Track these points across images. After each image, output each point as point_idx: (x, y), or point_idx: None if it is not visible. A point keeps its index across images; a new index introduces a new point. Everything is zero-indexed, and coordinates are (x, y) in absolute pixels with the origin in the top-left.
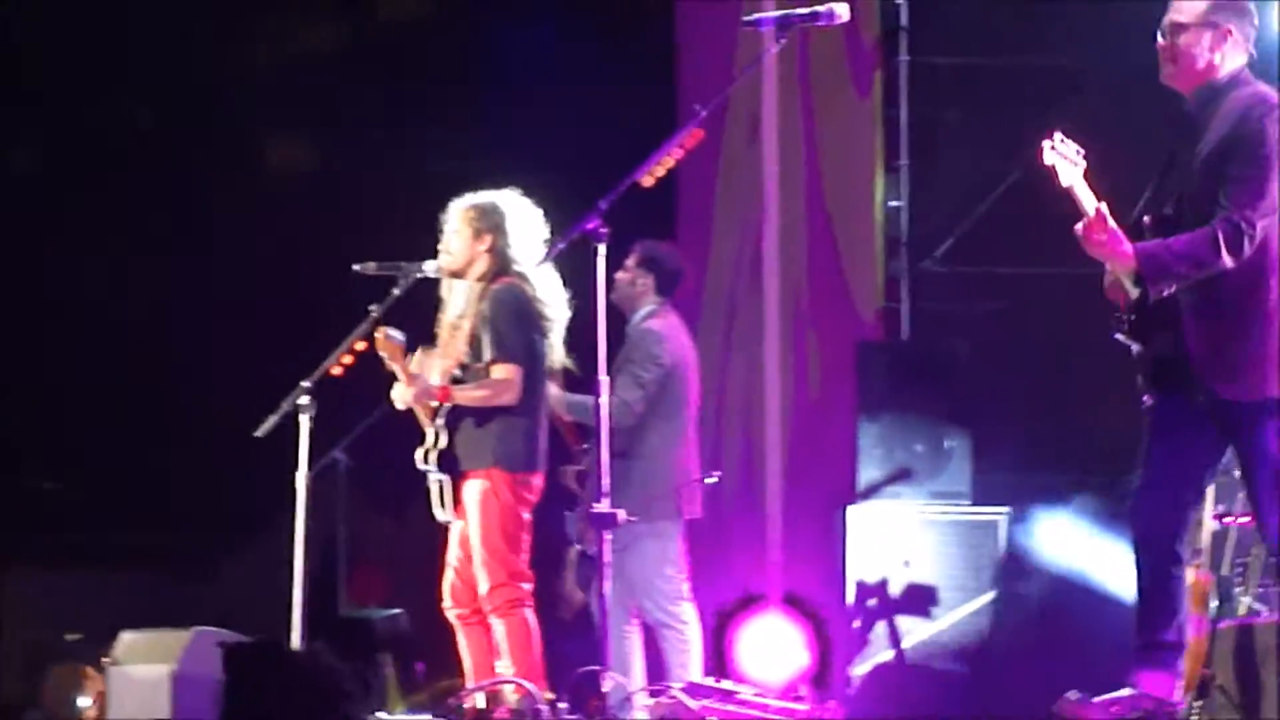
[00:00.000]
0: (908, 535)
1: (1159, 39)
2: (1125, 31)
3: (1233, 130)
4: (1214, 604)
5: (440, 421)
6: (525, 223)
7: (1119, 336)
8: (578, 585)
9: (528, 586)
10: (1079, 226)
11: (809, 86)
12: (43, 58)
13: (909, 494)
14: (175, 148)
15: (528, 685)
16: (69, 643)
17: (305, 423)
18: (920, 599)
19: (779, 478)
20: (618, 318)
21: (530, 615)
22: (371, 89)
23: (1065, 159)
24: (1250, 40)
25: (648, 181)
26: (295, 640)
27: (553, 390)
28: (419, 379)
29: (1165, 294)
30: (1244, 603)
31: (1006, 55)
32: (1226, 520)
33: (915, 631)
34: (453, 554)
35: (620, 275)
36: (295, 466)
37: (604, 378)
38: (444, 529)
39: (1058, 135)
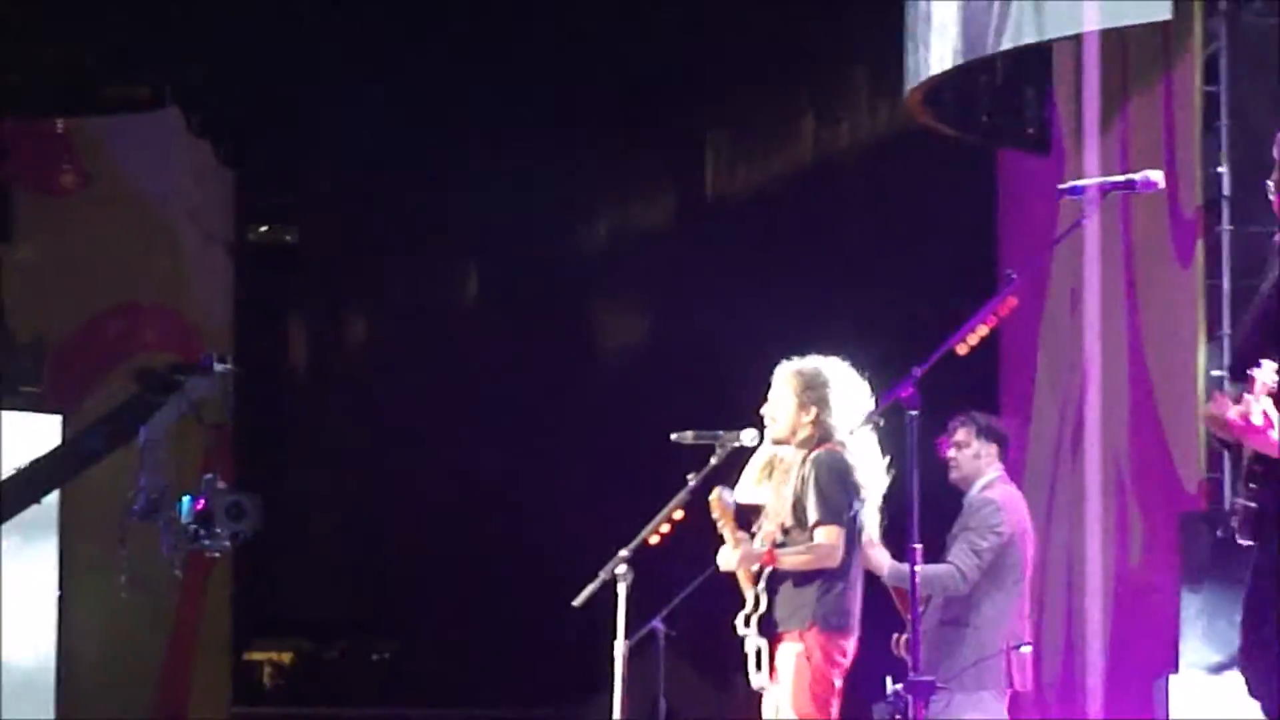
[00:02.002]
0: (1231, 706)
1: (1273, 193)
2: None
3: None
4: None
5: (761, 585)
6: (850, 392)
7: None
8: None
9: None
10: (1239, 415)
11: (1131, 256)
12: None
13: (1231, 664)
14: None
15: None
16: None
17: (623, 591)
18: None
19: (1100, 650)
20: (933, 486)
21: None
22: (698, 262)
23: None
24: None
25: (962, 349)
26: None
27: (885, 559)
28: (746, 543)
29: None
30: None
31: None
32: None
33: None
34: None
35: (956, 452)
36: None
37: (918, 545)
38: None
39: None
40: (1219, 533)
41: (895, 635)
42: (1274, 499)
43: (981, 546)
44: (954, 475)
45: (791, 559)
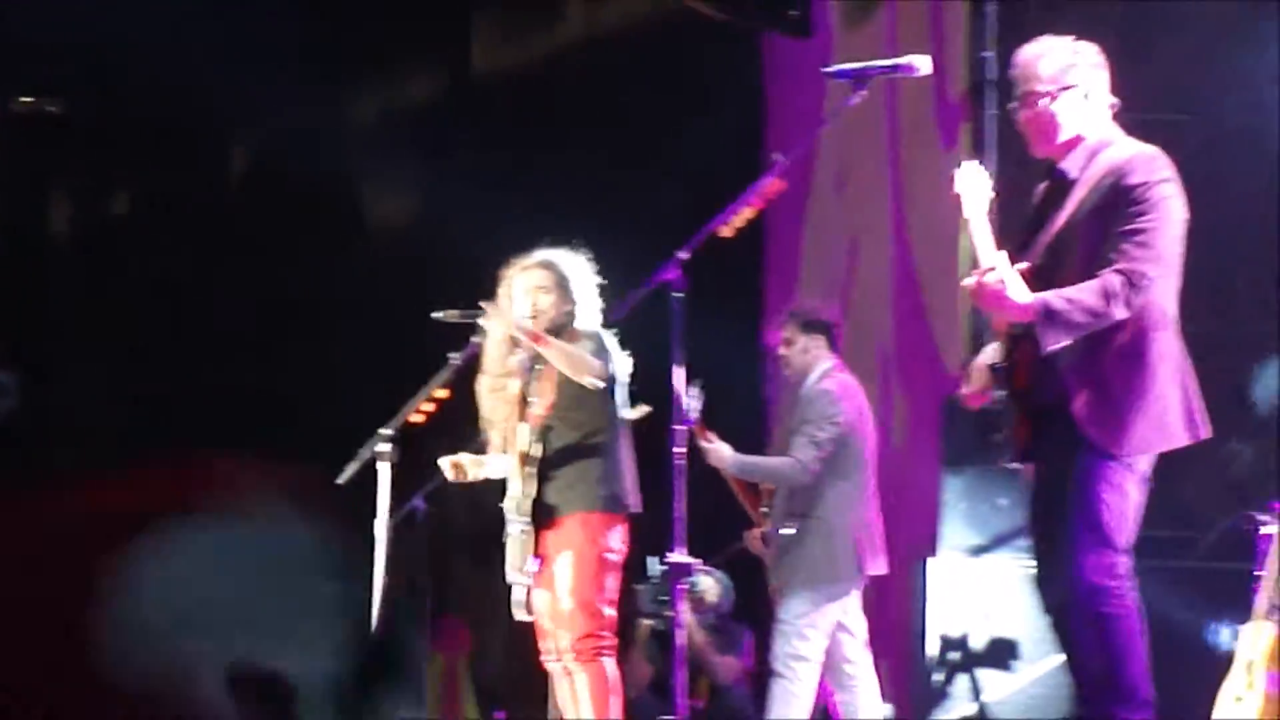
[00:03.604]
0: (989, 588)
1: (1016, 113)
2: (1223, 86)
3: (1119, 186)
4: None
5: (531, 470)
6: (589, 284)
7: (993, 395)
8: (646, 660)
9: (609, 635)
10: (974, 276)
11: (896, 139)
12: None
13: (990, 547)
14: (266, 196)
15: None
16: None
17: (385, 470)
18: (1001, 653)
19: None
20: (694, 368)
21: (611, 665)
22: (462, 139)
23: (975, 190)
24: (1106, 89)
25: (727, 232)
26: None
27: (726, 450)
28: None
29: (1057, 346)
30: None
31: None
32: None
33: (996, 685)
34: (543, 604)
35: (785, 350)
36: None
37: (680, 428)
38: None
39: (974, 163)
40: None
41: (746, 531)
42: (1051, 397)
43: (820, 437)
44: (786, 372)
45: (557, 349)
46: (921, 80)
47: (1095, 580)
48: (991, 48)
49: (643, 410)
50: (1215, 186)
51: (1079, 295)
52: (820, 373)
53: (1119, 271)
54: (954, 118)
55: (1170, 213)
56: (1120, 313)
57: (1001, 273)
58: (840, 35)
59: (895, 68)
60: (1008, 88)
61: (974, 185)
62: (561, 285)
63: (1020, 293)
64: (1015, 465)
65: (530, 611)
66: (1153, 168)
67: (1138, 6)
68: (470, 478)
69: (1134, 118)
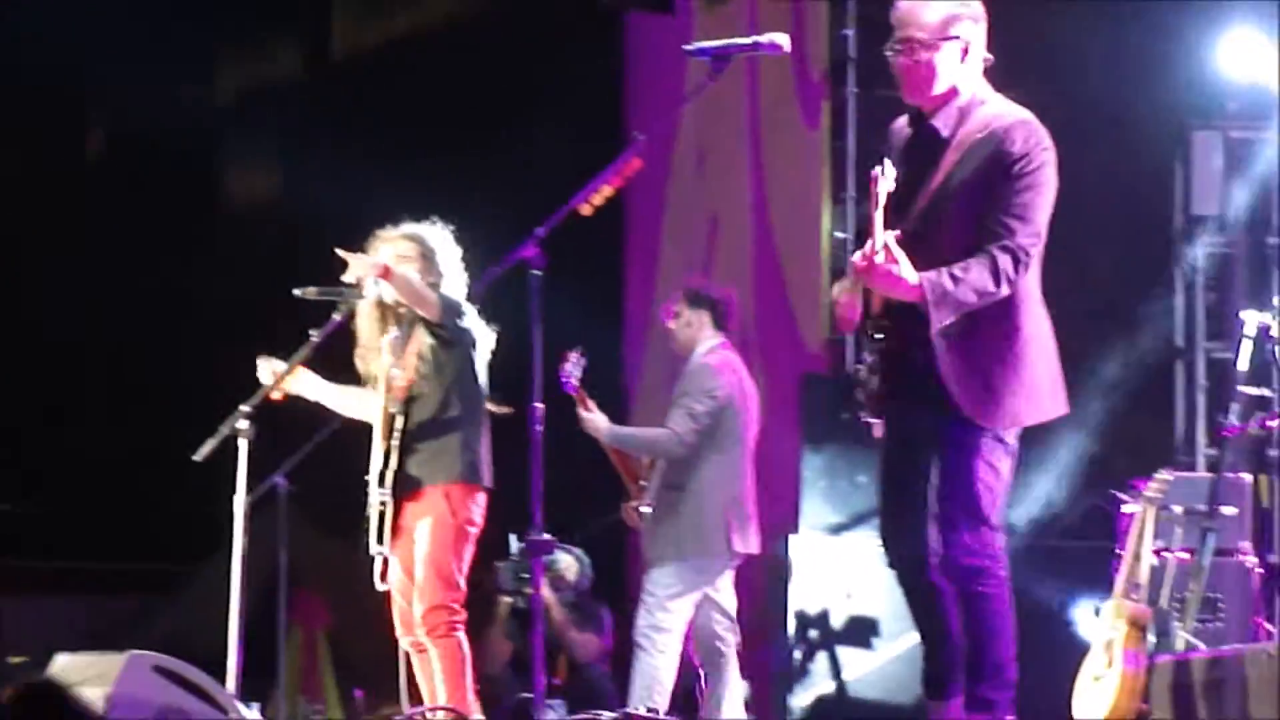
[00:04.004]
0: (850, 567)
1: (894, 56)
2: (1082, 69)
3: (1000, 153)
4: (1151, 639)
5: (394, 442)
6: (454, 256)
7: (865, 357)
8: (506, 637)
9: (461, 609)
10: (861, 256)
11: (757, 117)
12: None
13: (850, 525)
14: (133, 175)
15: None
16: (12, 666)
17: (244, 447)
18: (862, 631)
19: None
20: (554, 345)
21: (464, 639)
22: (322, 122)
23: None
24: (983, 44)
25: (586, 210)
26: (231, 667)
27: (602, 421)
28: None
29: (946, 323)
30: (1181, 638)
31: None
32: (1164, 554)
33: (856, 663)
34: (399, 581)
35: (672, 323)
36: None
37: (540, 405)
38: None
39: (888, 162)
40: (844, 414)
41: (624, 503)
42: (920, 365)
43: (698, 410)
44: (674, 345)
45: (402, 280)
46: (782, 59)
47: (972, 561)
48: (851, 26)
49: (504, 409)
50: (1079, 158)
51: (968, 275)
52: (705, 348)
53: (1006, 249)
54: (815, 96)
55: (1049, 185)
56: (1006, 289)
57: (891, 252)
58: (701, 14)
59: (756, 46)
60: (868, 66)
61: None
62: (426, 257)
63: (910, 272)
64: (872, 422)
65: (386, 581)
66: (1036, 137)
67: None
68: (288, 390)
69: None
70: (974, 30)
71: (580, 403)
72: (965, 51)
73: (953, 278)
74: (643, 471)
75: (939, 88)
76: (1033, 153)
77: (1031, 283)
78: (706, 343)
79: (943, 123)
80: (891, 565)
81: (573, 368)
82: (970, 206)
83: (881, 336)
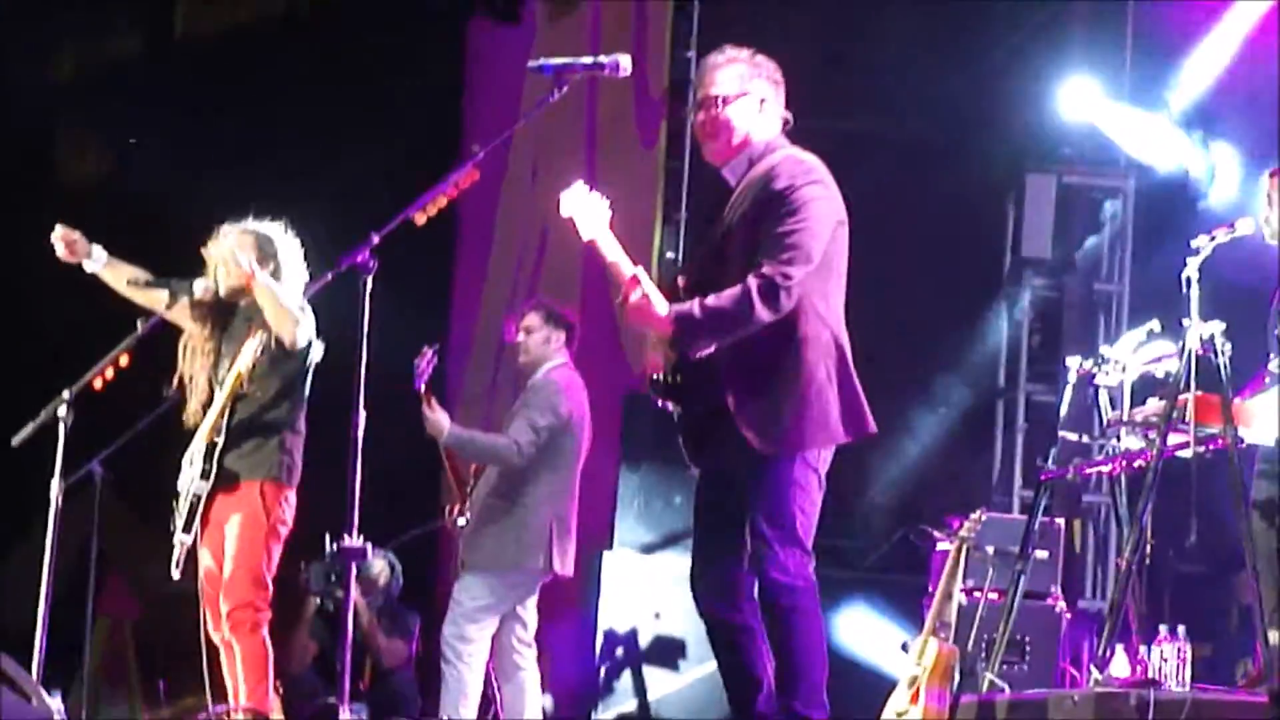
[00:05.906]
0: (660, 587)
1: (695, 115)
2: (924, 105)
3: (768, 190)
4: (957, 678)
5: (219, 437)
6: (296, 256)
7: (659, 402)
8: (311, 638)
9: (266, 607)
10: (618, 294)
11: (594, 134)
12: None
13: (663, 544)
14: None
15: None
16: None
17: (62, 432)
18: (669, 651)
19: None
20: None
21: (267, 638)
22: (163, 105)
23: (587, 211)
24: (781, 104)
25: (420, 218)
26: (37, 653)
27: (445, 422)
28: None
29: (702, 354)
30: (986, 679)
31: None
32: (975, 594)
33: (661, 683)
34: (208, 569)
35: (525, 337)
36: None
37: (363, 413)
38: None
39: (579, 184)
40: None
41: (447, 508)
42: (715, 402)
43: (540, 424)
44: (522, 359)
45: (270, 293)
46: (623, 77)
47: (788, 581)
48: (693, 48)
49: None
50: (914, 193)
51: (717, 303)
52: (552, 365)
53: (760, 275)
54: (654, 115)
55: (818, 213)
56: (765, 315)
57: (642, 287)
58: (544, 27)
59: (599, 66)
60: None
61: (586, 206)
62: (269, 255)
63: (661, 305)
64: (693, 470)
65: (183, 571)
66: (799, 170)
67: (839, 15)
68: (80, 256)
69: (829, 125)
70: (768, 89)
71: (425, 401)
72: (761, 103)
73: (702, 307)
74: (469, 477)
75: (735, 141)
76: (796, 184)
77: (815, 307)
78: (554, 360)
79: (731, 172)
80: (698, 603)
81: (426, 365)
82: (746, 243)
83: (663, 402)
